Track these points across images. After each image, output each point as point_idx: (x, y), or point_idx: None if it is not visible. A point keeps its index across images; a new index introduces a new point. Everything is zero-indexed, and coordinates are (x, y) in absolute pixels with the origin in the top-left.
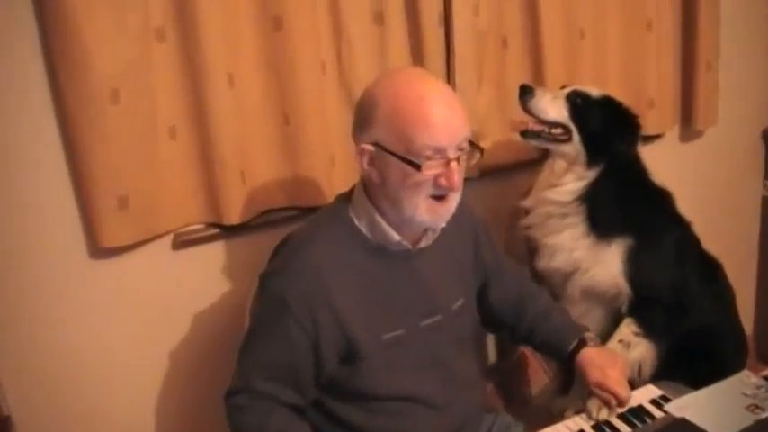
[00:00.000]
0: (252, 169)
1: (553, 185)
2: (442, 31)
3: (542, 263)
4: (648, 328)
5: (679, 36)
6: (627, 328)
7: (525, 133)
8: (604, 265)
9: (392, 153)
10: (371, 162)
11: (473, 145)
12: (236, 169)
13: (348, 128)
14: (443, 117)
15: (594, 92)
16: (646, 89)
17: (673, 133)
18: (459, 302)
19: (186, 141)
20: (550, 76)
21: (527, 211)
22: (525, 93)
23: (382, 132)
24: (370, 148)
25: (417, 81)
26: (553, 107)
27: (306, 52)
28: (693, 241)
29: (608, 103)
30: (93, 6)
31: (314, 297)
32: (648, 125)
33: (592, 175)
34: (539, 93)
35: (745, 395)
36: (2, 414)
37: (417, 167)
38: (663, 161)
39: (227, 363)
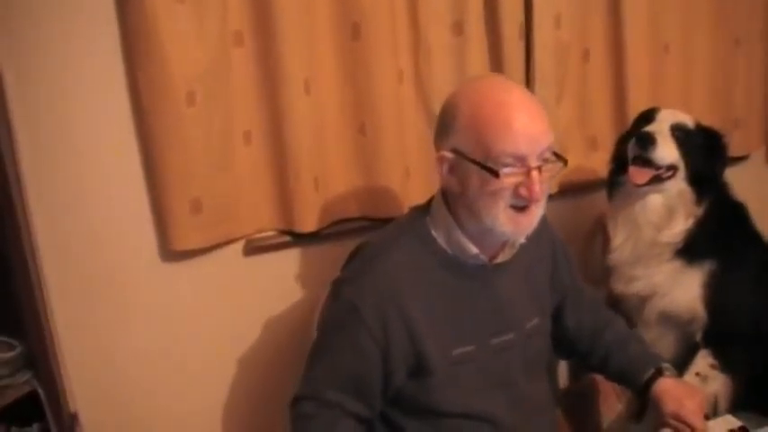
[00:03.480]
0: (326, 177)
1: (659, 227)
2: (522, 43)
3: (620, 287)
4: (725, 362)
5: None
6: (703, 360)
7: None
8: (684, 289)
9: (471, 160)
10: (451, 170)
11: (557, 156)
12: (310, 177)
13: (425, 139)
14: (524, 124)
15: (688, 120)
16: (732, 108)
17: (759, 154)
18: (534, 322)
19: (261, 147)
20: (633, 91)
21: (612, 244)
22: (647, 141)
23: (462, 139)
24: (449, 155)
25: (499, 87)
26: (668, 150)
27: (384, 60)
28: None
29: (703, 132)
30: (172, 8)
31: (386, 307)
32: (734, 146)
33: (701, 210)
34: (660, 138)
35: None
36: (69, 411)
37: (495, 174)
38: (747, 183)
39: (293, 371)
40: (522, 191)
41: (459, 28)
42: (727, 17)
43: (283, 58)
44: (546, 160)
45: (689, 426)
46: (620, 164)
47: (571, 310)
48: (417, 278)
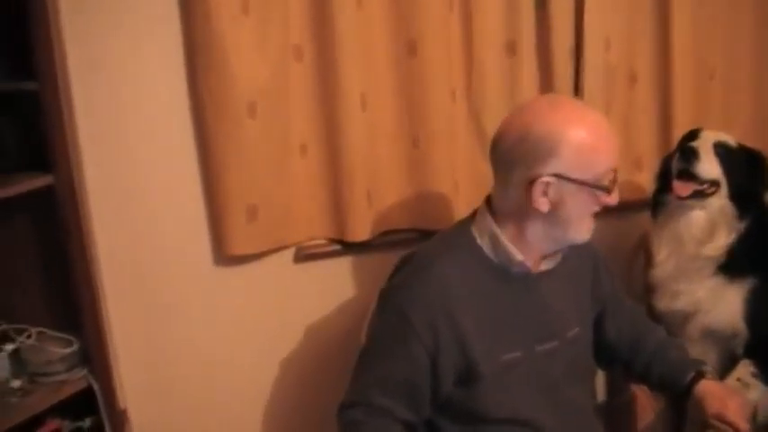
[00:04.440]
0: (378, 189)
1: (702, 241)
2: (572, 64)
3: (663, 304)
4: (766, 372)
5: None
6: (744, 368)
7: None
8: (726, 304)
9: (582, 182)
10: (545, 193)
11: None
12: (363, 188)
13: (474, 154)
14: (612, 139)
15: (730, 140)
16: None
17: None
18: (575, 331)
19: (316, 158)
20: (679, 115)
21: (655, 260)
22: (690, 155)
23: (567, 163)
24: (551, 180)
25: (585, 110)
26: (710, 165)
27: (438, 79)
28: None
29: (745, 151)
30: (238, 20)
31: (437, 314)
32: None
33: (743, 227)
34: (703, 153)
35: None
36: (119, 407)
37: (608, 191)
38: None
39: (337, 376)
40: (609, 199)
41: (511, 48)
42: None
43: (341, 73)
44: None
45: (732, 426)
46: (664, 183)
47: (611, 320)
48: (465, 286)
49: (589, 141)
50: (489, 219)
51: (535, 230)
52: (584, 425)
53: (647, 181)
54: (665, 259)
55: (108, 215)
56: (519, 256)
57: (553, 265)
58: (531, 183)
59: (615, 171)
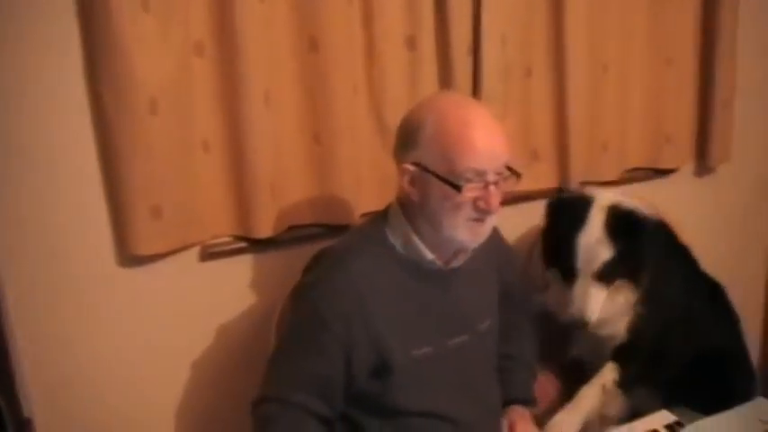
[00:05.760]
0: (281, 185)
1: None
2: (470, 60)
3: (553, 301)
4: (625, 379)
5: (697, 73)
6: (610, 374)
7: None
8: (610, 309)
9: (434, 174)
10: (412, 182)
11: (511, 170)
12: (266, 184)
13: (376, 149)
14: (486, 142)
15: (608, 250)
16: (664, 124)
17: (688, 168)
18: (486, 323)
19: (219, 155)
20: (573, 107)
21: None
22: (582, 325)
23: (426, 153)
24: (411, 168)
25: (462, 105)
26: (597, 307)
27: (339, 73)
28: (694, 266)
29: (624, 236)
30: (138, 17)
31: (350, 310)
32: (665, 159)
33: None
34: (592, 316)
35: (762, 421)
36: (22, 417)
37: (458, 189)
38: (677, 194)
39: (248, 375)
40: (481, 204)
41: (411, 43)
42: (660, 39)
43: (244, 69)
44: (500, 174)
45: None
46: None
47: (502, 306)
48: (378, 282)
49: (447, 134)
50: (401, 217)
51: (423, 225)
52: (495, 418)
53: (543, 172)
54: None
55: (5, 215)
56: (429, 255)
57: (462, 262)
58: (402, 170)
59: (485, 174)
